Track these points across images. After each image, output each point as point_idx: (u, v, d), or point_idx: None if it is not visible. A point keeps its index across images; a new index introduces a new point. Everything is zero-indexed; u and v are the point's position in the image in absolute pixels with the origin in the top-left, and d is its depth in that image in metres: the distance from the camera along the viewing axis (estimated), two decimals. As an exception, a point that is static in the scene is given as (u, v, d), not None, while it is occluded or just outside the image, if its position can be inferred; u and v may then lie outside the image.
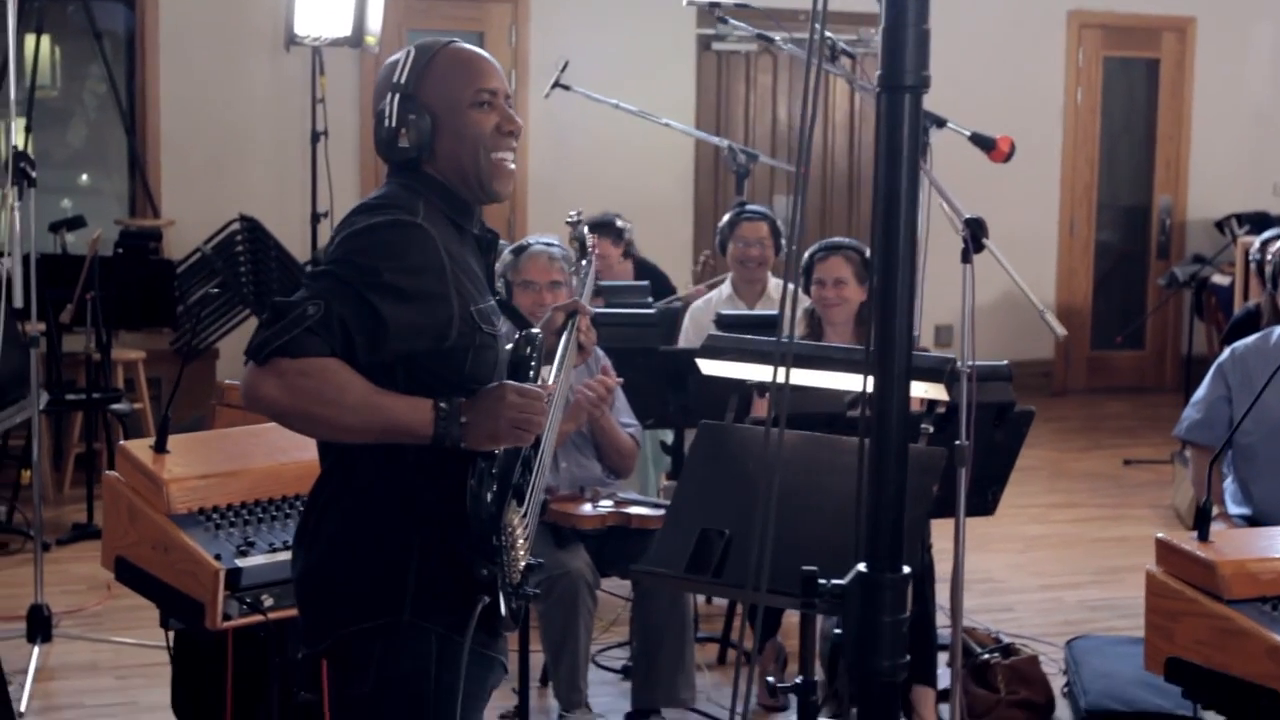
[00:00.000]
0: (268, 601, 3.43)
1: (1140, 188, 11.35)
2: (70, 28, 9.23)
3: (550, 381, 2.93)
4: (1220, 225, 10.89)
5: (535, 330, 2.89)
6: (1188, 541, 3.41)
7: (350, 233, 2.70)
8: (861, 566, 2.07)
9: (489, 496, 2.68)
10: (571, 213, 3.37)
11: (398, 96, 2.75)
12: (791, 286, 2.24)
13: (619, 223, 6.99)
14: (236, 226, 8.48)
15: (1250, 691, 3.24)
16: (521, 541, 2.73)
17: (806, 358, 3.89)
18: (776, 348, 2.23)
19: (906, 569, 2.07)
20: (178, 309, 7.97)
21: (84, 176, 9.77)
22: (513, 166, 2.84)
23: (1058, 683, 5.36)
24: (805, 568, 2.14)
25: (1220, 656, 3.27)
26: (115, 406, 7.36)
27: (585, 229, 3.45)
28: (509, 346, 2.86)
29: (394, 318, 2.62)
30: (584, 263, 3.43)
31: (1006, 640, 5.51)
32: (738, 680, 2.31)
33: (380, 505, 2.73)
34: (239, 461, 3.66)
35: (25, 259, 5.51)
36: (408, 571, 2.71)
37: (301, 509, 2.91)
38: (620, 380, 4.97)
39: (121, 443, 3.69)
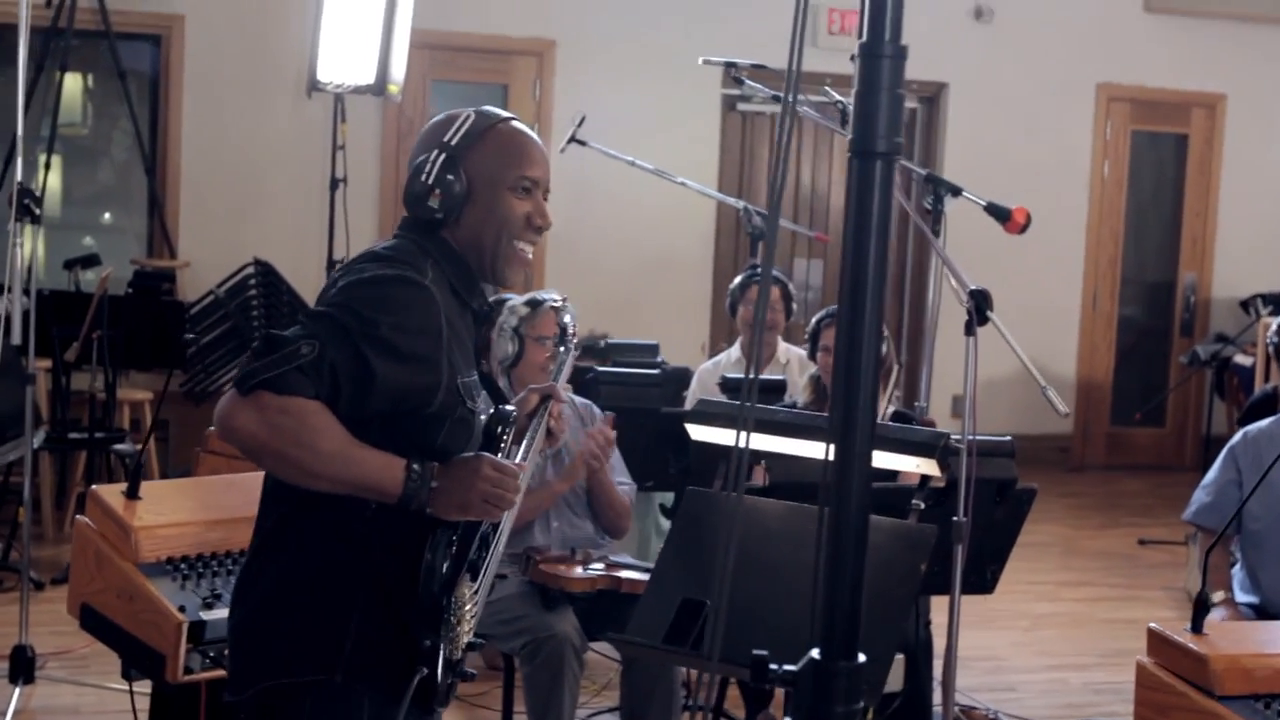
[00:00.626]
0: (232, 656, 3.34)
1: (1165, 263, 11.23)
2: (99, 67, 9.24)
3: (520, 461, 2.86)
4: (1245, 305, 10.76)
5: (510, 408, 2.84)
6: (1180, 633, 3.30)
7: (356, 280, 2.65)
8: (814, 653, 1.97)
9: (444, 568, 2.63)
10: (557, 297, 3.30)
11: (443, 156, 2.72)
12: (758, 343, 2.15)
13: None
14: (251, 270, 8.44)
15: (1239, 793, 3.12)
16: (469, 618, 2.67)
17: (782, 425, 3.79)
18: (740, 412, 2.13)
19: (862, 657, 1.97)
20: (187, 351, 7.91)
21: (107, 215, 9.77)
22: (530, 258, 2.81)
23: (1056, 768, 5.25)
24: (756, 652, 2.02)
25: (1211, 755, 3.16)
26: (118, 447, 7.30)
27: (569, 316, 3.38)
28: (482, 420, 2.81)
29: (385, 374, 2.58)
30: (563, 349, 3.35)
31: (1003, 722, 5.39)
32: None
33: (326, 561, 2.67)
34: (214, 511, 3.58)
35: (29, 294, 5.45)
36: (346, 631, 2.65)
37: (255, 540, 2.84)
38: (613, 433, 4.90)
39: (93, 487, 3.61)
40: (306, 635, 2.67)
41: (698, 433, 3.86)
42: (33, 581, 5.99)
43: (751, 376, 2.17)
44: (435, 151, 2.72)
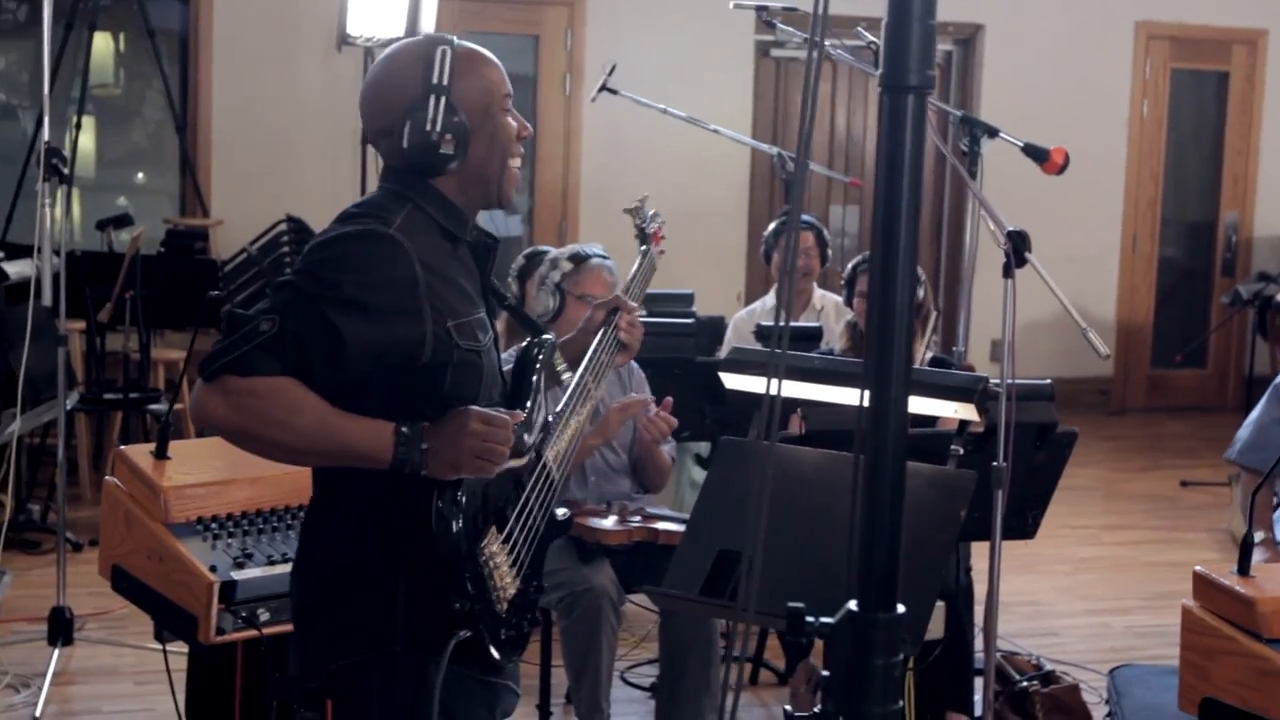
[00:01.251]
0: (264, 616, 3.31)
1: (1206, 203, 11.08)
2: (129, 26, 9.18)
3: (574, 380, 2.80)
4: (1288, 243, 10.64)
5: (548, 336, 2.75)
6: (1226, 576, 3.22)
7: (317, 243, 2.56)
8: (852, 604, 1.91)
9: (456, 525, 2.53)
10: (638, 201, 3.15)
11: (442, 99, 2.59)
12: (790, 290, 2.08)
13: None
14: (283, 227, 8.38)
15: (1289, 737, 3.06)
16: (507, 569, 2.60)
17: (818, 372, 3.71)
18: (771, 359, 2.07)
19: (901, 608, 1.91)
20: (221, 309, 7.85)
21: (140, 175, 9.73)
22: (519, 174, 2.73)
23: (1099, 712, 5.17)
24: (791, 604, 1.96)
25: (1258, 698, 3.08)
26: (153, 407, 7.28)
27: (651, 212, 3.20)
28: (520, 349, 2.72)
29: (354, 335, 2.46)
30: (643, 251, 3.19)
31: (1048, 667, 5.31)
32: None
33: (366, 536, 2.59)
34: (242, 470, 3.52)
35: (59, 254, 5.41)
36: (396, 603, 2.57)
37: (303, 519, 2.77)
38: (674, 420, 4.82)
39: (121, 448, 3.57)
40: (360, 613, 2.60)
41: (731, 381, 3.78)
42: (70, 543, 5.99)
43: (782, 323, 2.09)
44: (430, 97, 2.58)
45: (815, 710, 2.03)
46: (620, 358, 2.99)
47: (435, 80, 2.59)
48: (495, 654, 2.60)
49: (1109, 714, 5.17)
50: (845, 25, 6.01)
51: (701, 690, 4.73)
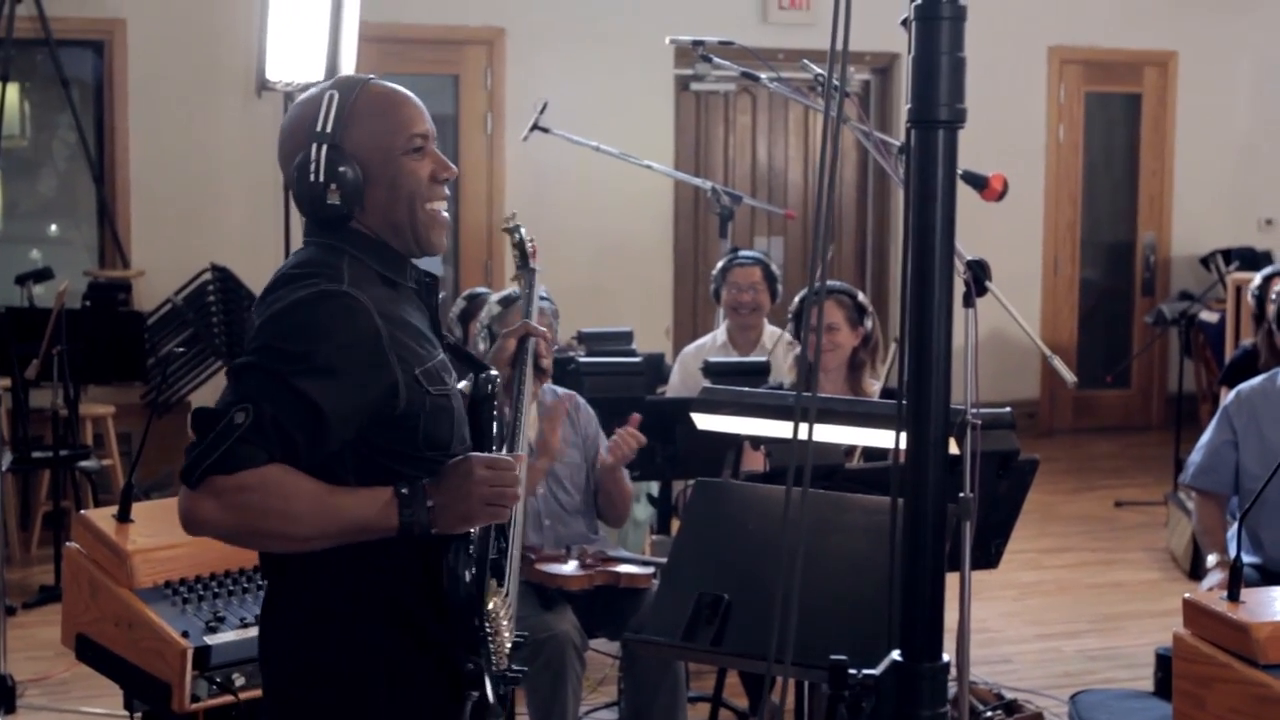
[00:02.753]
0: (239, 680, 3.19)
1: (1124, 224, 11.18)
2: (39, 75, 9.02)
3: (523, 427, 2.72)
4: (1205, 261, 10.74)
5: (491, 370, 2.65)
6: (1217, 603, 3.19)
7: (270, 315, 2.41)
8: (896, 655, 1.85)
9: (467, 578, 2.45)
10: (508, 216, 3.03)
11: (325, 148, 2.45)
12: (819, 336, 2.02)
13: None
14: (208, 276, 8.26)
15: (1288, 763, 3.02)
16: (505, 624, 2.52)
17: (830, 413, 3.65)
18: (798, 401, 2.01)
19: (946, 656, 1.85)
20: (148, 362, 7.72)
21: (53, 227, 9.54)
22: (447, 215, 2.58)
23: (1062, 739, 5.16)
24: (834, 657, 1.90)
25: (1256, 725, 3.05)
26: (84, 464, 7.12)
27: (524, 231, 3.07)
28: (466, 390, 2.62)
29: (332, 405, 2.36)
30: (527, 272, 3.07)
31: (1009, 696, 5.28)
32: None
33: (341, 609, 2.48)
34: None
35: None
36: (379, 682, 2.47)
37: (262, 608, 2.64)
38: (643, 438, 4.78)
39: (81, 512, 3.46)
40: (342, 697, 2.48)
41: (705, 422, 3.72)
42: (6, 608, 5.80)
43: (804, 364, 2.03)
44: (313, 146, 2.45)
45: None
46: (536, 382, 2.88)
47: (319, 128, 2.47)
48: (499, 708, 2.51)
49: (1074, 741, 5.16)
50: (764, 58, 6.04)
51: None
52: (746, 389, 4.13)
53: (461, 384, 2.64)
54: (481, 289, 5.94)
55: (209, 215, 8.98)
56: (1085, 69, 10.78)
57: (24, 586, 6.89)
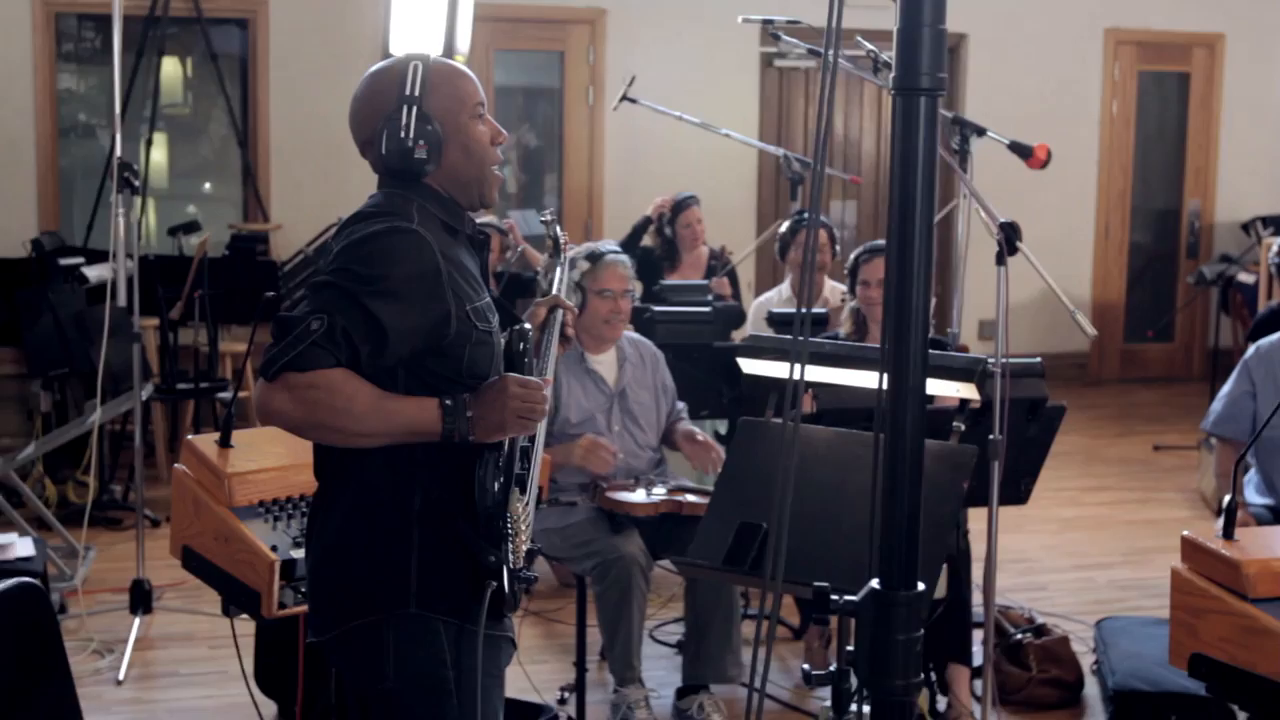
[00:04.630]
0: (322, 590, 3.19)
1: (1171, 193, 10.92)
2: (194, 50, 9.10)
3: (547, 376, 2.73)
4: (1245, 227, 10.47)
5: (526, 325, 2.68)
6: (1213, 540, 3.09)
7: (349, 243, 2.49)
8: (874, 583, 1.80)
9: (496, 486, 2.51)
10: (545, 212, 3.09)
11: (414, 109, 2.54)
12: (810, 280, 1.97)
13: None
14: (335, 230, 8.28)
15: (1274, 690, 2.93)
16: (524, 528, 2.55)
17: (829, 356, 3.59)
18: (792, 345, 1.96)
19: (921, 585, 1.79)
20: (282, 305, 7.77)
21: (207, 185, 9.64)
22: (503, 176, 2.70)
23: (1087, 660, 5.06)
24: (817, 584, 1.85)
25: (1244, 654, 2.96)
26: (222, 395, 7.19)
27: (558, 227, 3.17)
28: (502, 341, 2.66)
29: (394, 324, 2.43)
30: (559, 259, 3.15)
31: (1040, 620, 5.19)
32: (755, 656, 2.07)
33: (378, 503, 2.54)
34: (300, 456, 3.35)
35: (131, 258, 5.31)
36: (409, 565, 2.53)
37: (313, 499, 2.70)
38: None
39: (188, 437, 3.46)
40: (375, 573, 2.54)
41: (748, 366, 3.67)
42: (149, 520, 5.90)
43: (801, 311, 1.98)
44: (404, 107, 2.54)
45: (831, 669, 1.93)
46: (561, 348, 2.92)
47: (408, 92, 2.55)
48: (513, 602, 2.56)
49: (1096, 661, 5.06)
50: (844, 36, 5.93)
51: (725, 648, 4.63)
52: (779, 337, 4.06)
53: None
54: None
55: (338, 175, 8.96)
56: (1138, 49, 10.52)
57: (168, 503, 6.87)
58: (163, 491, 7.12)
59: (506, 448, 2.54)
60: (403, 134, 2.54)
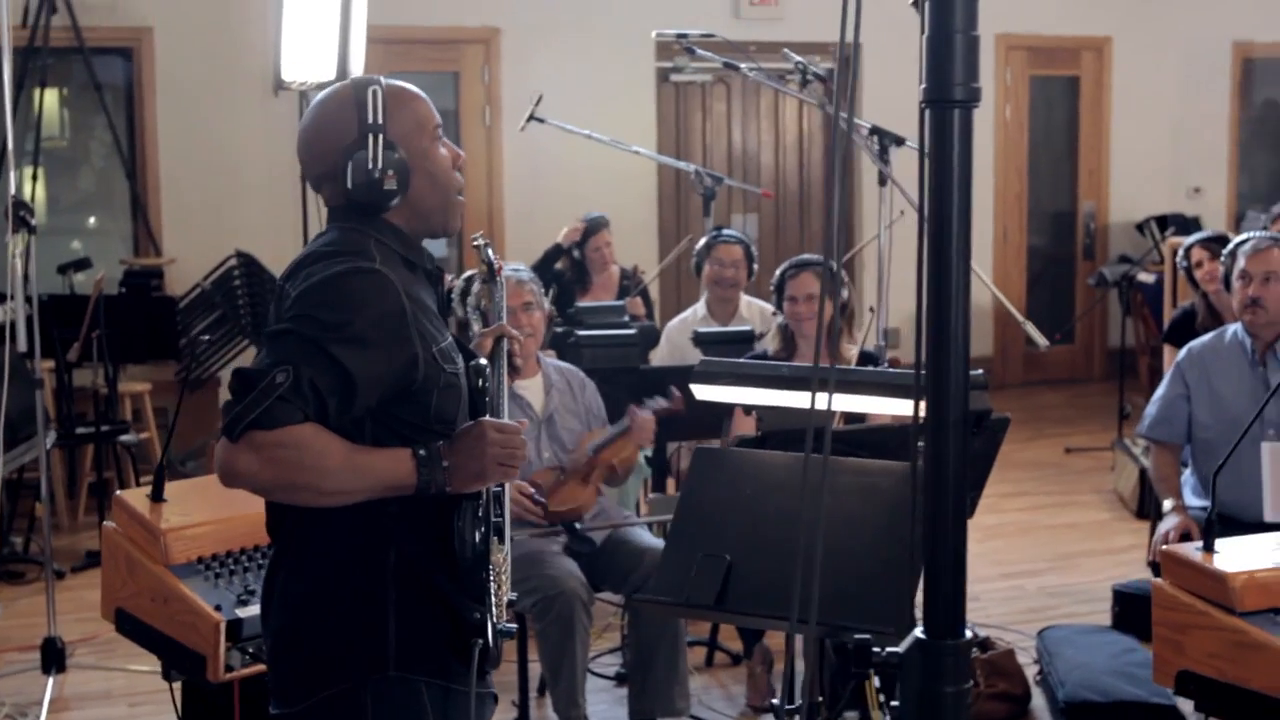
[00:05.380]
0: (270, 650, 3.00)
1: (1065, 195, 11.00)
2: (74, 81, 8.79)
3: (503, 412, 2.53)
4: (1140, 227, 10.58)
5: (482, 361, 2.51)
6: (1194, 554, 3.01)
7: (308, 286, 2.30)
8: (919, 632, 1.67)
9: (476, 537, 2.35)
10: (475, 237, 2.96)
11: (380, 138, 2.36)
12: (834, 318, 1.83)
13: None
14: (234, 262, 8.03)
15: (1265, 704, 2.85)
16: (505, 579, 2.41)
17: (772, 378, 3.46)
18: (814, 373, 1.83)
19: (969, 633, 1.67)
20: (180, 342, 7.52)
21: (92, 219, 9.31)
22: (464, 201, 2.53)
23: (1030, 671, 4.99)
24: (858, 636, 1.72)
25: (1234, 669, 2.88)
26: (123, 438, 6.91)
27: (490, 251, 3.04)
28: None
29: (361, 372, 2.26)
30: (494, 283, 3.01)
31: (982, 634, 5.11)
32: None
33: (352, 558, 2.36)
34: (237, 506, 3.17)
35: (30, 301, 5.07)
36: (386, 625, 2.35)
37: (271, 557, 2.51)
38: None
39: (118, 493, 3.25)
40: (350, 636, 2.36)
41: (704, 393, 3.53)
42: (55, 572, 5.61)
43: (819, 337, 1.84)
44: (369, 137, 2.37)
45: (775, 702, 1.80)
46: (510, 378, 2.77)
47: (370, 120, 2.38)
48: (494, 660, 2.43)
49: (1040, 672, 5.00)
50: (736, 50, 5.87)
51: (671, 679, 4.50)
52: (741, 360, 3.93)
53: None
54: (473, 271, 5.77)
55: (233, 205, 8.75)
56: (1029, 54, 10.58)
57: (71, 552, 6.69)
58: (64, 540, 6.86)
59: (483, 495, 2.38)
60: (370, 165, 2.37)
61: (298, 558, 2.40)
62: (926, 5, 1.59)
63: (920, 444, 3.45)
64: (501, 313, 2.73)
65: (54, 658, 5.02)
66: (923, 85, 1.61)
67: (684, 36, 5.60)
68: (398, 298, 2.32)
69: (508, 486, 2.50)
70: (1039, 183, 10.91)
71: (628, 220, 9.45)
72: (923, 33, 1.60)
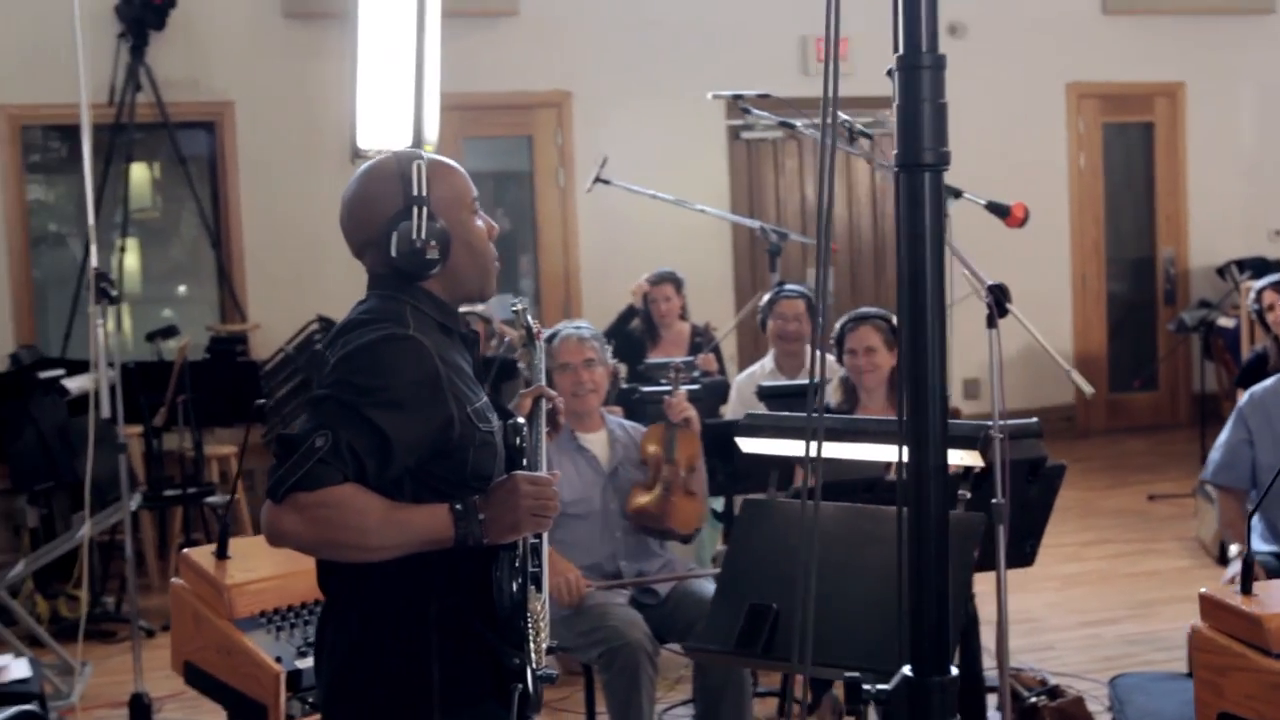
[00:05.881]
0: (329, 701, 3.13)
1: (1144, 241, 10.98)
2: (161, 155, 9.09)
3: (543, 467, 2.67)
4: (1220, 271, 10.53)
5: (520, 419, 2.65)
6: (1231, 596, 3.05)
7: (346, 353, 2.43)
8: (907, 670, 1.75)
9: (514, 587, 2.47)
10: (513, 302, 3.09)
11: (424, 209, 2.50)
12: (821, 356, 1.93)
13: (678, 274, 7.19)
14: (315, 326, 8.26)
15: (1306, 744, 2.89)
16: (543, 625, 2.51)
17: (839, 431, 3.56)
18: (807, 422, 1.93)
19: (955, 669, 1.75)
20: (264, 405, 7.73)
21: (181, 288, 9.61)
22: (499, 266, 2.69)
23: (1103, 720, 5.00)
24: (848, 674, 1.81)
25: (1273, 711, 2.91)
26: (210, 499, 7.12)
27: (529, 316, 3.18)
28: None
29: (398, 434, 2.38)
30: (533, 347, 3.14)
31: (1052, 681, 5.12)
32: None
33: (394, 611, 2.48)
34: (298, 562, 3.29)
35: (119, 367, 5.28)
36: (430, 672, 2.47)
37: (320, 614, 2.65)
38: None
39: (184, 550, 3.41)
40: (396, 683, 2.48)
41: (747, 445, 3.63)
42: (144, 630, 5.81)
43: (814, 383, 1.94)
44: (414, 208, 2.50)
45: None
46: (550, 436, 2.89)
47: (415, 192, 2.52)
48: (535, 704, 2.52)
49: (1112, 720, 5.01)
50: (807, 107, 5.96)
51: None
52: (783, 414, 4.02)
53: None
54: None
55: (313, 271, 8.98)
56: (1101, 102, 10.61)
57: (161, 612, 6.86)
58: (155, 600, 7.04)
59: (520, 547, 2.50)
60: (414, 235, 2.50)
61: (345, 610, 2.53)
62: (896, 76, 1.69)
63: (961, 491, 3.53)
64: (540, 374, 2.85)
65: (140, 713, 5.19)
66: (895, 151, 1.71)
67: (739, 97, 5.72)
68: (432, 362, 2.44)
69: (545, 538, 2.62)
70: (1117, 229, 10.89)
71: (703, 276, 9.59)
72: (894, 101, 1.70)
